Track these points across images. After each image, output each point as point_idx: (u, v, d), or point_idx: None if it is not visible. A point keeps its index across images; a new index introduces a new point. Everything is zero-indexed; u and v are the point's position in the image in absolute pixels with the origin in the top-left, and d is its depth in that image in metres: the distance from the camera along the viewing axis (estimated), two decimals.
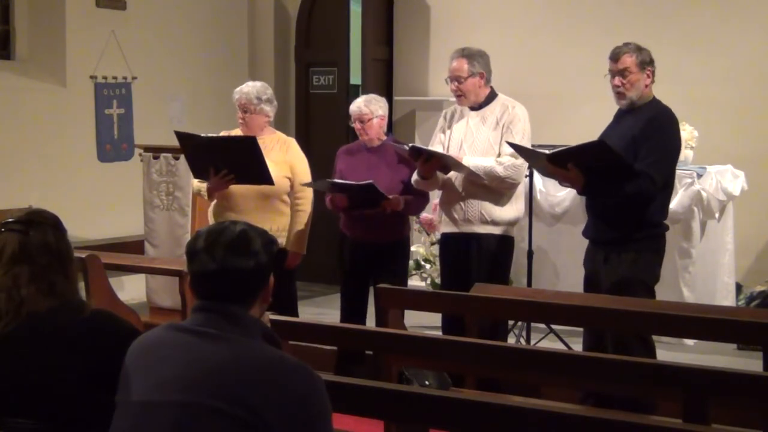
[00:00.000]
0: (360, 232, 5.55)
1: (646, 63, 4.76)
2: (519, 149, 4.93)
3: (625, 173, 4.55)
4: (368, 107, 5.52)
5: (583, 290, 4.95)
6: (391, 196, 5.32)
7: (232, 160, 5.20)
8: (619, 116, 4.88)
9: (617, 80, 4.77)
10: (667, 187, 4.77)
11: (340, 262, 5.72)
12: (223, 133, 5.64)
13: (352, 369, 5.16)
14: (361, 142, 5.63)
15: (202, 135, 5.40)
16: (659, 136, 4.65)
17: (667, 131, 4.70)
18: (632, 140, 4.66)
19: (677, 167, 6.39)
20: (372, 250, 5.52)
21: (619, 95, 4.79)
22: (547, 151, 4.84)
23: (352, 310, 5.62)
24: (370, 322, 5.59)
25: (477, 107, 5.26)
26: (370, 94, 5.71)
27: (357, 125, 5.54)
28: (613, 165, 4.54)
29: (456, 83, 5.22)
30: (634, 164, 4.58)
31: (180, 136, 5.39)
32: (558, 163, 4.66)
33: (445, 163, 5.14)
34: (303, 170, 5.52)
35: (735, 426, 3.78)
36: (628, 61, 4.74)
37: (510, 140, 5.08)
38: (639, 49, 4.78)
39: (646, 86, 4.77)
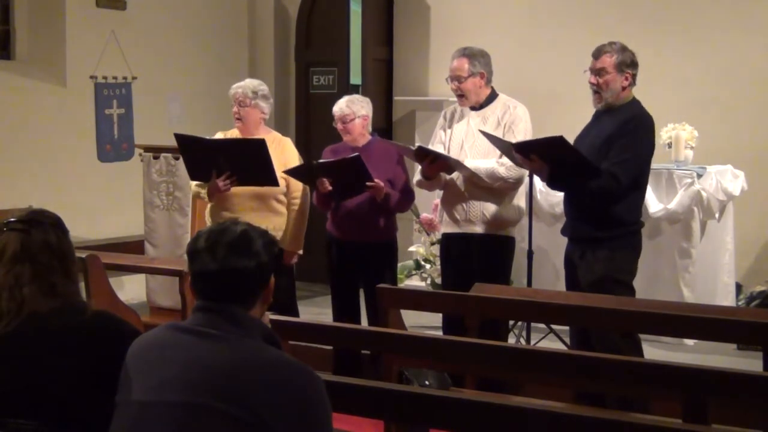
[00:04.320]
0: (346, 232, 5.54)
1: (626, 65, 4.76)
2: (492, 139, 4.96)
3: (590, 170, 4.59)
4: (350, 107, 5.52)
5: (565, 287, 4.98)
6: (376, 180, 5.30)
7: (236, 162, 5.21)
8: (597, 116, 4.91)
9: (593, 78, 4.80)
10: (638, 188, 4.79)
11: (328, 263, 5.71)
12: (219, 134, 5.64)
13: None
14: (346, 142, 5.62)
15: (206, 138, 5.42)
16: (631, 137, 4.68)
17: (639, 133, 4.72)
18: (607, 140, 4.69)
19: (677, 167, 6.49)
20: (359, 249, 5.51)
21: (595, 95, 4.82)
22: (513, 142, 4.89)
23: (344, 310, 5.62)
24: (364, 322, 5.61)
25: (478, 107, 5.26)
26: (352, 95, 5.73)
27: (339, 125, 5.55)
28: (575, 161, 4.58)
29: (456, 83, 5.22)
30: (603, 163, 4.61)
31: (180, 138, 5.39)
32: (523, 153, 4.71)
33: (449, 164, 5.14)
34: None
35: (735, 426, 3.78)
36: (607, 61, 4.77)
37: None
38: (622, 50, 4.79)
39: (624, 88, 4.78)
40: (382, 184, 5.33)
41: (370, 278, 5.33)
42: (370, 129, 5.65)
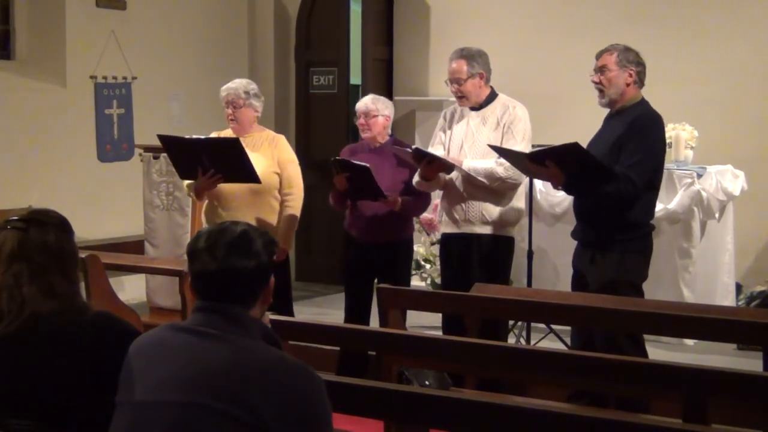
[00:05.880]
0: (363, 232, 5.56)
1: (628, 62, 4.74)
2: (501, 151, 4.94)
3: (605, 174, 4.57)
4: (375, 104, 5.56)
5: (571, 290, 4.96)
6: (388, 195, 5.32)
7: (218, 161, 5.22)
8: (608, 120, 4.89)
9: (596, 77, 4.80)
10: (651, 189, 4.76)
11: (345, 262, 5.73)
12: (213, 134, 5.64)
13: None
14: (364, 142, 5.64)
15: (187, 137, 5.42)
16: (640, 138, 4.65)
17: (648, 133, 4.69)
18: (616, 142, 4.67)
19: (677, 167, 6.49)
20: (376, 249, 5.53)
21: (599, 93, 4.82)
22: (527, 152, 4.85)
23: (357, 311, 5.63)
24: (374, 323, 5.60)
25: (477, 107, 5.26)
26: (378, 95, 5.73)
27: (361, 120, 5.56)
28: (592, 166, 4.57)
29: (456, 85, 5.21)
30: (616, 166, 4.59)
31: (163, 139, 5.39)
32: (537, 161, 4.69)
33: (448, 164, 5.14)
34: (292, 167, 5.51)
35: (735, 426, 3.78)
36: (608, 58, 4.77)
37: (511, 141, 5.09)
38: (625, 50, 4.78)
39: (628, 85, 4.75)
40: (398, 200, 5.36)
41: (385, 278, 5.33)
42: (389, 131, 5.66)
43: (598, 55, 4.83)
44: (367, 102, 5.59)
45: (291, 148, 5.64)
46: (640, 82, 4.80)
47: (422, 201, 5.60)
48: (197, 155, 5.25)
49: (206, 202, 5.52)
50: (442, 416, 2.95)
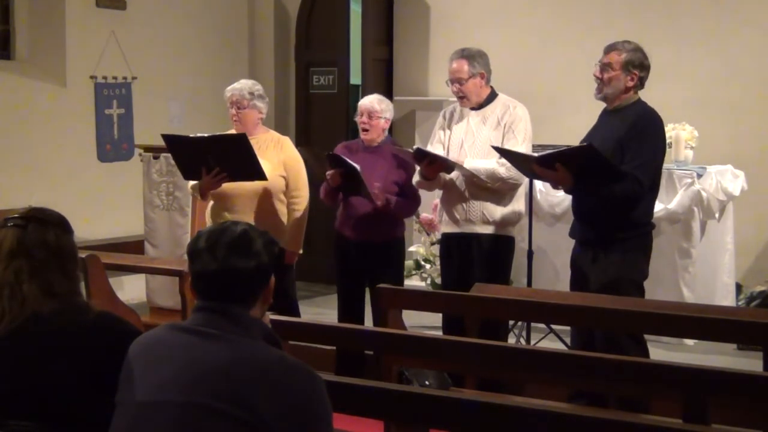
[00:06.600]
0: (354, 231, 5.55)
1: (633, 65, 4.70)
2: (506, 153, 4.92)
3: (613, 175, 4.56)
4: (380, 106, 5.56)
5: (570, 290, 4.95)
6: (376, 190, 5.32)
7: (223, 158, 5.20)
8: (603, 117, 4.87)
9: (597, 72, 4.77)
10: (653, 189, 4.76)
11: (336, 261, 5.72)
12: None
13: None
14: (361, 141, 5.63)
15: (191, 135, 5.41)
16: (644, 139, 4.64)
17: (651, 133, 4.69)
18: (618, 143, 4.64)
19: (677, 167, 6.50)
20: (366, 249, 5.52)
21: (597, 86, 4.80)
22: (535, 155, 4.83)
23: (349, 310, 5.63)
24: (368, 322, 5.60)
25: (477, 107, 5.27)
26: (382, 97, 5.70)
27: (364, 118, 5.55)
28: (601, 167, 4.55)
29: (457, 85, 5.22)
30: (621, 167, 4.58)
31: (168, 138, 5.37)
32: (546, 164, 4.66)
33: (449, 164, 5.14)
34: (298, 168, 5.52)
35: (735, 426, 3.78)
36: (614, 57, 4.73)
37: (512, 141, 5.09)
38: (634, 50, 4.74)
39: (628, 88, 4.74)
40: (383, 197, 5.35)
41: (377, 278, 5.33)
42: (386, 134, 5.67)
43: (607, 50, 4.78)
44: (373, 101, 5.57)
45: (295, 149, 5.64)
46: (641, 85, 4.79)
47: (411, 204, 5.59)
48: (202, 154, 5.24)
49: (211, 203, 5.51)
50: (442, 416, 2.95)
